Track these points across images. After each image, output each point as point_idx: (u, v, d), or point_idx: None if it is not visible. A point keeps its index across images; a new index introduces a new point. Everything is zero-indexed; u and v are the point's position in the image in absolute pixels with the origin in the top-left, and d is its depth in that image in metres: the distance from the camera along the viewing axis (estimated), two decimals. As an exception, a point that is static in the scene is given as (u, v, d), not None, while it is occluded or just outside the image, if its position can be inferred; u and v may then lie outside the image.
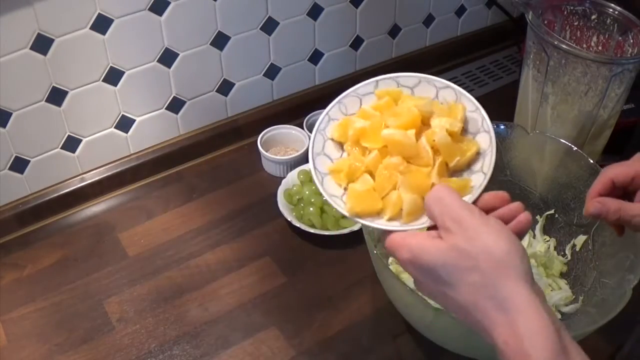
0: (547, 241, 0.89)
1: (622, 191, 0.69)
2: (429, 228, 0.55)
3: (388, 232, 0.56)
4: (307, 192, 0.97)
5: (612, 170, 0.69)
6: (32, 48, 0.85)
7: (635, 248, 0.73)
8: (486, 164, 0.59)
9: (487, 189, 0.95)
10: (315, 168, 0.60)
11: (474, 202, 0.56)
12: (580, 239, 0.85)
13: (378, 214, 0.58)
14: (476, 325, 0.51)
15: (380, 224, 0.57)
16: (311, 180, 0.99)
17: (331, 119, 0.63)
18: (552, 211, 0.89)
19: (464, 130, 0.61)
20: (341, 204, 0.59)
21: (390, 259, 0.86)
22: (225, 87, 1.08)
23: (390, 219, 0.57)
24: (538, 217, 0.90)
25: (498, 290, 0.49)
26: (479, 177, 0.59)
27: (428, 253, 0.51)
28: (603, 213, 0.67)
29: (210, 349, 0.82)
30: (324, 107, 1.12)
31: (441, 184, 0.55)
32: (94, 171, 1.02)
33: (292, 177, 1.01)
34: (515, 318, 0.48)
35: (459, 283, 0.50)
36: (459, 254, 0.50)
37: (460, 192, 0.55)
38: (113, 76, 0.95)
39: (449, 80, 0.66)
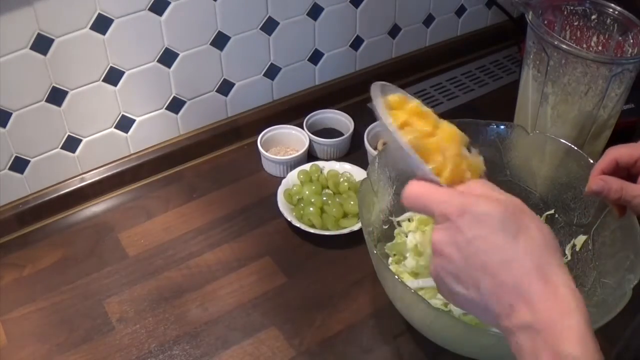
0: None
1: (626, 172, 0.69)
2: None
3: (424, 179, 0.55)
4: (307, 192, 0.97)
5: (617, 150, 0.69)
6: (32, 48, 0.85)
7: (635, 248, 0.73)
8: None
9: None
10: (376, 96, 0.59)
11: None
12: (580, 239, 0.85)
13: (422, 158, 0.57)
14: (510, 283, 0.49)
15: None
16: (311, 180, 0.99)
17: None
18: (552, 211, 0.89)
19: None
20: (392, 125, 0.58)
21: (390, 259, 0.86)
22: (225, 87, 1.08)
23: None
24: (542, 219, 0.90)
25: (551, 257, 0.50)
26: None
27: (490, 202, 0.51)
28: (605, 191, 0.67)
29: (210, 349, 0.82)
30: (324, 107, 1.13)
31: None
32: (94, 171, 1.02)
33: (292, 177, 1.01)
34: (567, 280, 0.49)
35: (519, 235, 0.49)
36: (519, 212, 0.51)
37: None
38: (113, 76, 0.95)
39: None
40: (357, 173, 1.01)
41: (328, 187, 1.00)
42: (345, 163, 1.03)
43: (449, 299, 0.55)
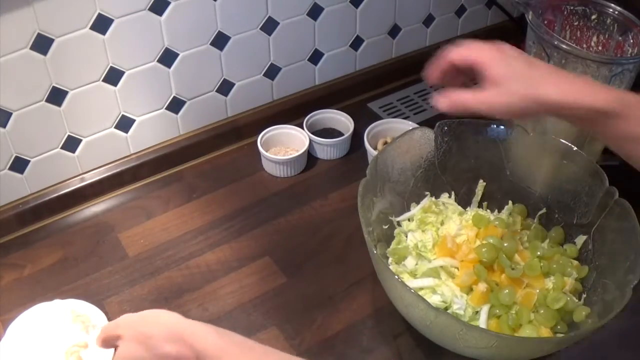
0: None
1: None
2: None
3: None
4: None
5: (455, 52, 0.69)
6: (32, 48, 0.85)
7: (636, 248, 0.73)
8: None
9: (489, 190, 0.94)
10: None
11: None
12: (580, 239, 0.85)
13: None
14: None
15: None
16: None
17: None
18: (543, 210, 0.89)
19: None
20: None
21: (390, 259, 0.86)
22: (225, 87, 1.08)
23: None
24: (536, 219, 0.90)
25: None
26: None
27: None
28: (453, 109, 0.68)
29: (210, 349, 0.82)
30: (324, 107, 1.13)
31: None
32: (94, 171, 1.02)
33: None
34: None
35: None
36: None
37: None
38: (113, 76, 0.95)
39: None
40: None
41: None
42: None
43: None
